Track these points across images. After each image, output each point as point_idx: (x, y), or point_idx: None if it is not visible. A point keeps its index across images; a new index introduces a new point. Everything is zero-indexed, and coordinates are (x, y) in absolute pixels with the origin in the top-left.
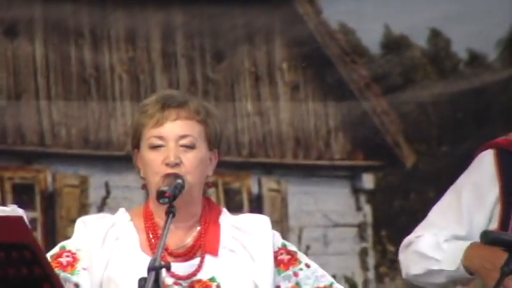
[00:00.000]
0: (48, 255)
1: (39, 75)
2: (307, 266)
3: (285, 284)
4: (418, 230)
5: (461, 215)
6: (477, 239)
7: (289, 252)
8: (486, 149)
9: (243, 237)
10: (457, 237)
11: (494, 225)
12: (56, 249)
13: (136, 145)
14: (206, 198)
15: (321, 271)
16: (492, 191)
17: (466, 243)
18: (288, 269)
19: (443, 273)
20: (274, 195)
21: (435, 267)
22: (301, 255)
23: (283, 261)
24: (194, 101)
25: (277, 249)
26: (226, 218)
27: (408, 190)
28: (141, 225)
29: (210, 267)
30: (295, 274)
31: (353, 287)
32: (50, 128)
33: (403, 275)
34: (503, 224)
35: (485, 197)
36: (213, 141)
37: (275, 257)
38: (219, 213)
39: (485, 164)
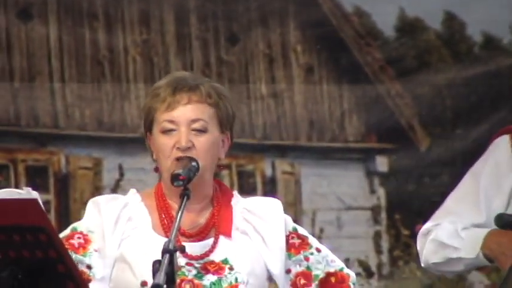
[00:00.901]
0: (60, 236)
1: (53, 57)
2: (318, 250)
3: (295, 268)
4: (436, 218)
5: (479, 201)
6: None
7: (300, 237)
8: (501, 134)
9: (255, 221)
10: (476, 225)
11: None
12: (67, 231)
13: (149, 128)
14: (217, 181)
15: (331, 256)
16: (509, 177)
17: (485, 231)
18: (298, 253)
19: (463, 261)
20: (288, 177)
21: (454, 255)
22: (312, 240)
23: (294, 245)
24: (205, 84)
25: (288, 233)
26: (238, 201)
27: (422, 173)
28: (153, 206)
29: (223, 248)
30: (306, 258)
31: (367, 270)
32: (63, 110)
33: (422, 263)
34: None
35: (502, 183)
36: (225, 124)
37: (286, 241)
38: (230, 196)
39: (501, 149)
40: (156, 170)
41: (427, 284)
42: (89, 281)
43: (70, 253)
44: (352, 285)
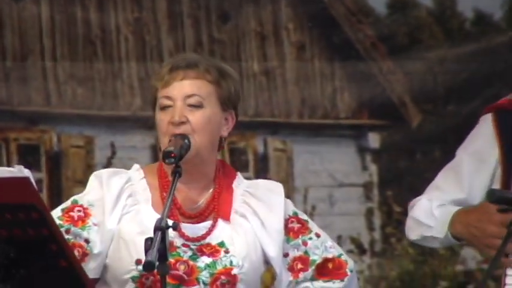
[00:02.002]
0: (60, 208)
1: (44, 36)
2: (317, 235)
3: (293, 253)
4: (425, 193)
5: (462, 177)
6: (478, 201)
7: (299, 221)
8: (487, 112)
9: (255, 203)
10: (457, 200)
11: (496, 187)
12: (67, 203)
13: (155, 108)
14: (221, 162)
15: (330, 242)
16: (492, 154)
17: (454, 210)
18: (297, 237)
19: (436, 239)
20: (280, 155)
21: (428, 233)
22: (312, 225)
23: (293, 229)
24: (205, 62)
25: (288, 217)
26: (240, 183)
27: (414, 150)
28: (155, 183)
29: (221, 231)
30: (304, 243)
31: (359, 247)
32: (55, 89)
33: (407, 237)
34: (505, 185)
35: (486, 160)
36: (227, 102)
37: (285, 225)
38: (233, 177)
39: (484, 126)
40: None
41: (419, 261)
42: (86, 254)
43: (68, 225)
44: (349, 272)
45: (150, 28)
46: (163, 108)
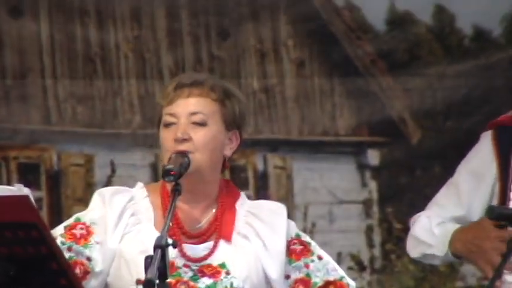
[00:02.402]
0: (63, 225)
1: (44, 54)
2: (320, 258)
3: (295, 275)
4: (425, 210)
5: (460, 194)
6: (476, 218)
7: (302, 243)
8: (488, 129)
9: (257, 224)
10: (456, 217)
11: (494, 203)
12: (70, 221)
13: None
14: (225, 181)
15: (333, 264)
16: (491, 171)
17: (453, 228)
18: (299, 259)
19: (437, 257)
20: (280, 172)
21: (429, 251)
22: (314, 247)
23: (295, 251)
24: (211, 81)
25: (290, 239)
26: (243, 203)
27: (414, 166)
28: (158, 202)
29: (222, 252)
30: (306, 265)
31: (359, 264)
32: (55, 107)
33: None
34: (503, 201)
35: (485, 177)
36: (231, 122)
37: (288, 247)
38: (237, 197)
39: (483, 144)
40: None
41: (419, 277)
42: (87, 272)
43: (71, 243)
44: None
45: (149, 46)
46: (167, 125)
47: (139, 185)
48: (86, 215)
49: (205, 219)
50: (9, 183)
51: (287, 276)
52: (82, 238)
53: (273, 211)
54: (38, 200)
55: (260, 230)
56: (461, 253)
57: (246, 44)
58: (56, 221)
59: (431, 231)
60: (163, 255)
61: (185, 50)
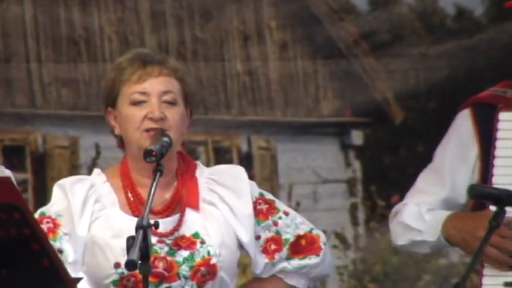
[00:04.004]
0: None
1: (28, 37)
2: (286, 213)
3: (265, 234)
4: (407, 197)
5: (444, 175)
6: (462, 198)
7: (267, 202)
8: (464, 108)
9: (220, 190)
10: (444, 200)
11: (475, 182)
12: (35, 216)
13: (112, 103)
14: (180, 153)
15: (300, 218)
16: (472, 150)
17: (446, 214)
18: (267, 218)
19: (427, 243)
20: (264, 153)
21: (418, 238)
22: (278, 203)
23: (262, 211)
24: (171, 59)
25: (255, 199)
26: (202, 172)
27: (397, 145)
28: (119, 185)
29: (192, 221)
30: (275, 223)
31: (343, 242)
32: (40, 90)
33: (393, 244)
34: (484, 179)
35: (465, 155)
36: (189, 100)
37: (254, 208)
38: (194, 167)
39: (463, 123)
40: (119, 145)
41: (403, 254)
42: None
43: None
44: (323, 246)
45: (133, 28)
46: (137, 103)
47: (97, 171)
48: (50, 209)
49: (168, 193)
50: None
51: (258, 237)
52: (50, 232)
53: (233, 175)
54: (23, 182)
55: (224, 195)
56: (454, 239)
57: (229, 26)
58: (41, 203)
59: (421, 217)
60: (145, 236)
61: (168, 32)
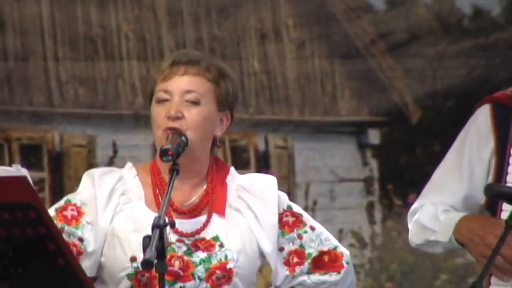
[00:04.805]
0: (53, 207)
1: (46, 35)
2: (312, 228)
3: (288, 246)
4: (423, 194)
5: (462, 172)
6: (480, 197)
7: (294, 214)
8: (483, 103)
9: (248, 198)
10: (462, 198)
11: (490, 179)
12: (61, 202)
13: (151, 101)
14: (214, 158)
15: (326, 234)
16: (488, 145)
17: (460, 215)
18: (292, 231)
19: (440, 244)
20: (281, 152)
21: (432, 237)
22: (306, 218)
23: (287, 223)
24: (207, 60)
25: (282, 211)
26: (233, 178)
27: (414, 144)
28: (148, 181)
29: (215, 226)
30: (299, 236)
31: (360, 241)
32: (57, 88)
33: (410, 243)
34: (498, 177)
35: (482, 151)
36: (224, 102)
37: (280, 219)
38: (226, 172)
39: (481, 119)
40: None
41: (420, 254)
42: (80, 253)
43: (62, 224)
44: (345, 264)
45: (150, 26)
46: (161, 101)
47: (129, 165)
48: (76, 196)
49: (196, 195)
50: (11, 165)
51: (281, 249)
52: (73, 219)
53: (264, 184)
54: (40, 180)
55: (252, 203)
56: (464, 241)
57: (246, 24)
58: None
59: (437, 217)
60: (162, 236)
61: (186, 30)
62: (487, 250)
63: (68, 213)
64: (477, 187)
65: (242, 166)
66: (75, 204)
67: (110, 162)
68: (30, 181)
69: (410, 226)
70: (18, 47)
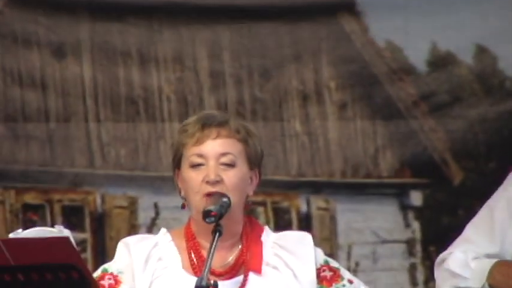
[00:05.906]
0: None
1: (87, 96)
2: (350, 282)
3: None
4: (453, 247)
5: (494, 231)
6: (510, 255)
7: (331, 269)
8: None
9: (285, 255)
10: (490, 255)
11: None
12: (98, 272)
13: (178, 165)
14: (247, 217)
15: (363, 287)
16: None
17: (492, 262)
18: (330, 285)
19: None
20: (323, 213)
21: (463, 284)
22: (343, 272)
23: (326, 278)
24: (234, 120)
25: (319, 266)
26: (268, 236)
27: (456, 206)
28: (183, 246)
29: (254, 284)
30: None
31: None
32: (99, 150)
33: None
34: None
35: None
36: (254, 161)
37: (318, 274)
38: (261, 231)
39: None
40: (183, 206)
41: None
42: None
43: None
44: None
45: (192, 87)
46: (195, 166)
47: (163, 230)
48: (113, 265)
49: (232, 256)
50: (53, 226)
51: None
52: None
53: (299, 241)
54: (83, 242)
55: (289, 261)
56: (499, 286)
57: (288, 86)
58: (101, 263)
59: (467, 264)
60: None
61: (227, 91)
62: None
63: (106, 283)
64: (507, 250)
65: (284, 227)
66: (111, 273)
67: (152, 224)
68: (73, 242)
69: (437, 273)
70: (59, 108)
